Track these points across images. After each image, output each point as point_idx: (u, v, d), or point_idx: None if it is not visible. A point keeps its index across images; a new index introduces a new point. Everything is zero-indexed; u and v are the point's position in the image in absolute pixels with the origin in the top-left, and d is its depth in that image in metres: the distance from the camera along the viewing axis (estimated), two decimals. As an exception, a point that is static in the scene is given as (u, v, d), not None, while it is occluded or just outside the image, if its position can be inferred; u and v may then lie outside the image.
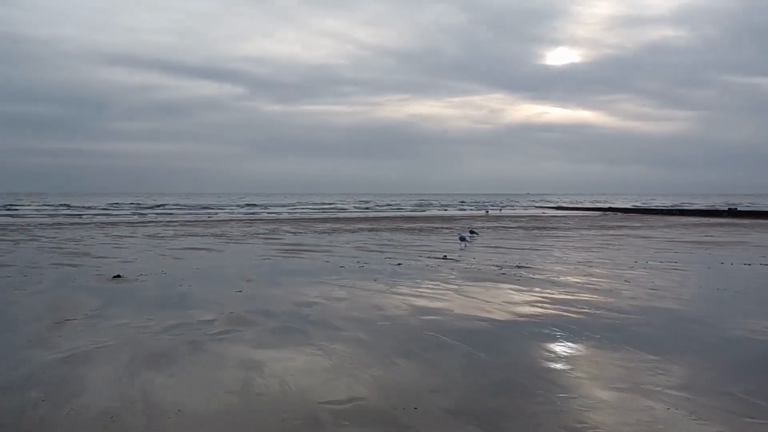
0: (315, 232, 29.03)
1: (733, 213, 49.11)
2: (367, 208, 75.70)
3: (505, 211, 66.31)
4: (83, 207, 70.91)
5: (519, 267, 13.56)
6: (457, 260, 15.19)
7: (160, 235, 25.71)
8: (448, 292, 10.24)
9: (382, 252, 17.76)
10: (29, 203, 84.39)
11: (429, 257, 16.04)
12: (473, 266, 13.81)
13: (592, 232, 28.50)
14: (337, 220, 44.29)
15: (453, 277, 12.10)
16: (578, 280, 11.51)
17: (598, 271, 12.99)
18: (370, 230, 30.33)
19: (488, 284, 11.09)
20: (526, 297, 9.74)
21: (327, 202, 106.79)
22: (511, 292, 10.25)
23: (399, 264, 14.38)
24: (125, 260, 15.55)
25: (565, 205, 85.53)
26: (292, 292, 10.34)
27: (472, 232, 25.18)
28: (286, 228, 32.41)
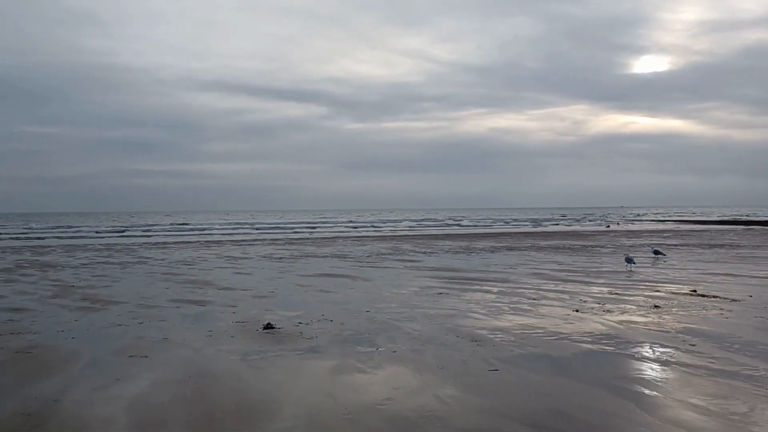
0: (443, 251, 24.79)
1: None
2: (459, 224, 71.01)
3: (625, 226, 59.34)
4: (179, 224, 70.53)
5: None
6: (750, 302, 10.25)
7: (276, 256, 22.30)
8: None
9: (587, 283, 13.07)
10: (136, 222, 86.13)
11: (674, 293, 11.20)
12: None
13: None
14: (448, 236, 39.94)
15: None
16: None
17: None
18: (509, 249, 25.69)
19: None
20: None
21: (413, 218, 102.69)
22: None
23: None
24: (260, 294, 11.82)
25: (687, 218, 76.78)
26: (600, 383, 5.93)
27: (656, 252, 20.10)
28: (406, 246, 28.39)
